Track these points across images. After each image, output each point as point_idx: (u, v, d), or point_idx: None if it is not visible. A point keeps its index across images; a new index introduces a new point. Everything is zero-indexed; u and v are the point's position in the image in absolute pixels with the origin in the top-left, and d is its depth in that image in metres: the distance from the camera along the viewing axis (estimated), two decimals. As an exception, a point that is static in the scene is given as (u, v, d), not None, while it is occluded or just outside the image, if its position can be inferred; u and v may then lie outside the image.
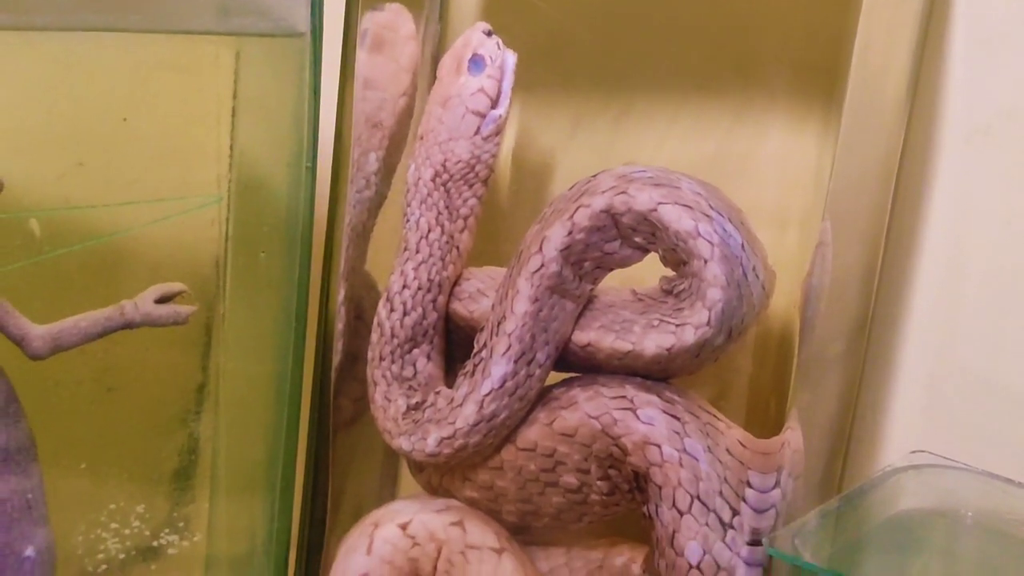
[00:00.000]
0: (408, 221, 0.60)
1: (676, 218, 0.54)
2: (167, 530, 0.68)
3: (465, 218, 0.60)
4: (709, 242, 0.54)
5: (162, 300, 0.61)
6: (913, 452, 0.65)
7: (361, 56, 0.63)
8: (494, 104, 0.58)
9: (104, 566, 0.67)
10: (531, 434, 0.58)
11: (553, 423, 0.58)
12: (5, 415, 0.58)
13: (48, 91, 0.59)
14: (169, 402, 0.68)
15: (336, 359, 0.67)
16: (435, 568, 0.62)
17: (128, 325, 0.60)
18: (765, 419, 0.60)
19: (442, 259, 0.60)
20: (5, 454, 0.58)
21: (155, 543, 0.68)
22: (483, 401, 0.57)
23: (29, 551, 0.59)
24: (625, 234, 0.55)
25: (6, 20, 0.57)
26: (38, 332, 0.58)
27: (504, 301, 0.57)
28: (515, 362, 0.56)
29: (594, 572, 0.65)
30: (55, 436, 0.61)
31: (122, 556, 0.67)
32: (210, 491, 0.69)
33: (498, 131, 0.59)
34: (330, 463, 0.69)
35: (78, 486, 0.63)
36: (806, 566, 0.54)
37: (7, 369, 0.57)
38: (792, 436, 0.59)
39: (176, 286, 0.62)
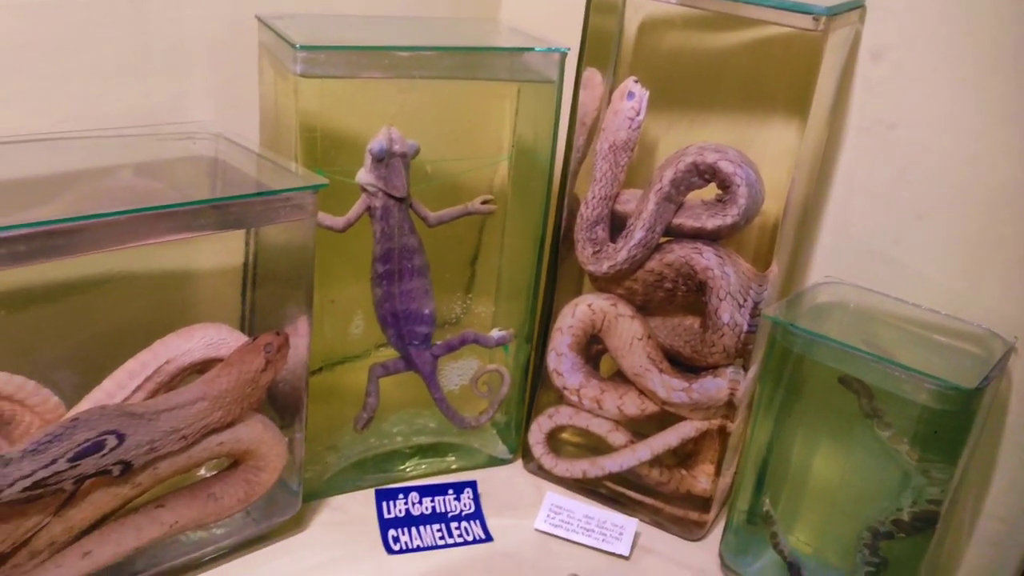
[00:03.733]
0: (596, 168, 0.81)
1: (726, 167, 0.76)
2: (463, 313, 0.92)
3: (623, 166, 0.81)
4: (741, 179, 0.76)
5: (484, 203, 0.87)
6: (826, 277, 0.86)
7: (580, 91, 0.83)
8: (638, 114, 0.79)
9: (447, 324, 0.90)
10: (651, 264, 0.82)
11: (663, 258, 0.81)
12: (421, 252, 0.83)
13: (429, 110, 0.82)
14: (462, 254, 0.91)
15: (561, 233, 0.88)
16: (602, 325, 0.86)
17: (468, 213, 0.86)
18: (760, 260, 0.80)
19: (610, 185, 0.82)
20: (422, 267, 0.83)
21: (462, 315, 0.92)
22: (630, 248, 0.81)
23: (428, 310, 0.85)
24: (700, 174, 0.78)
25: (402, 73, 0.77)
26: (433, 214, 0.84)
27: (642, 204, 0.81)
28: (646, 231, 0.80)
29: (675, 327, 0.85)
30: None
31: (454, 319, 0.91)
32: (495, 298, 0.93)
33: (639, 127, 0.79)
34: (556, 283, 0.89)
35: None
36: (779, 322, 0.76)
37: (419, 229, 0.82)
38: (774, 269, 0.81)
39: (489, 197, 0.87)
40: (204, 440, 0.73)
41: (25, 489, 0.62)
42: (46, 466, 0.63)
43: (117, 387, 0.70)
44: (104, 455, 0.66)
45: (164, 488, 0.74)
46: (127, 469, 0.68)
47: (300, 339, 0.77)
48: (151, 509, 0.73)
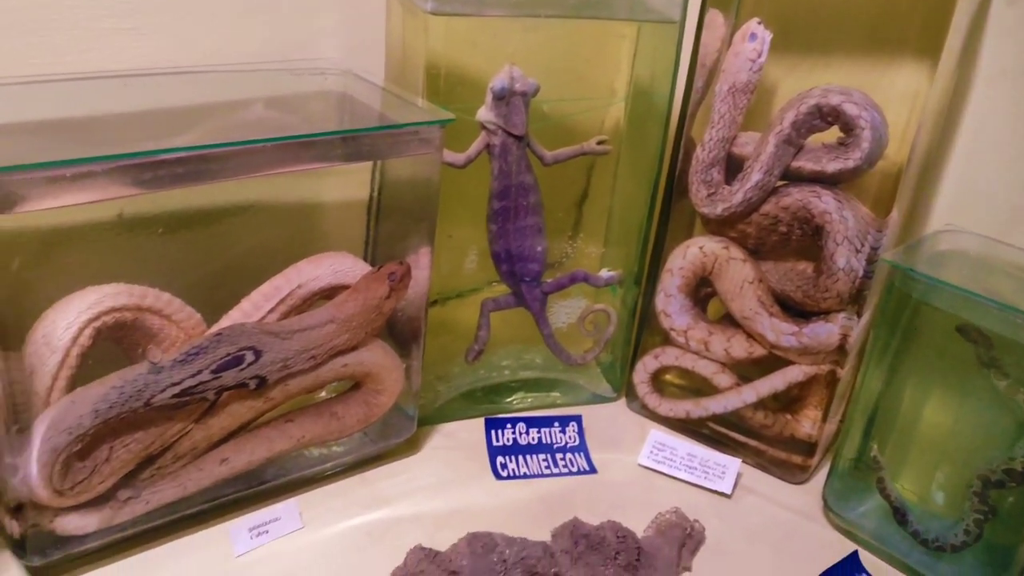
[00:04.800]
0: (715, 110, 0.82)
1: (851, 109, 0.76)
2: (573, 253, 0.94)
3: (741, 109, 0.81)
4: (866, 121, 0.75)
5: (600, 143, 0.88)
6: (947, 225, 0.85)
7: (702, 32, 0.84)
8: (759, 56, 0.78)
9: (556, 264, 0.93)
10: (766, 207, 0.82)
11: (779, 201, 0.82)
12: (536, 191, 0.85)
13: (549, 50, 0.83)
14: (574, 194, 0.93)
15: (675, 175, 0.89)
16: (712, 268, 0.87)
17: (584, 153, 0.88)
18: (880, 206, 0.79)
19: (728, 127, 0.82)
20: (536, 206, 0.85)
21: (572, 255, 0.94)
22: (746, 191, 0.82)
23: (540, 247, 0.87)
24: (823, 116, 0.77)
25: (527, 11, 0.79)
26: (549, 153, 0.86)
27: (760, 146, 0.81)
28: (763, 174, 0.81)
29: (788, 271, 0.85)
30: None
31: (563, 259, 0.93)
32: (605, 239, 0.95)
33: (759, 69, 0.79)
34: (667, 226, 0.90)
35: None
36: (899, 267, 0.75)
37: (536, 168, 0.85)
38: (894, 215, 0.80)
39: (604, 137, 0.88)
40: (331, 361, 0.77)
41: (173, 396, 0.68)
42: (192, 376, 0.69)
43: (254, 308, 0.75)
44: (243, 369, 0.71)
45: (292, 406, 0.79)
46: (262, 384, 0.73)
47: (421, 271, 0.80)
48: (281, 423, 0.79)
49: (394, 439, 0.86)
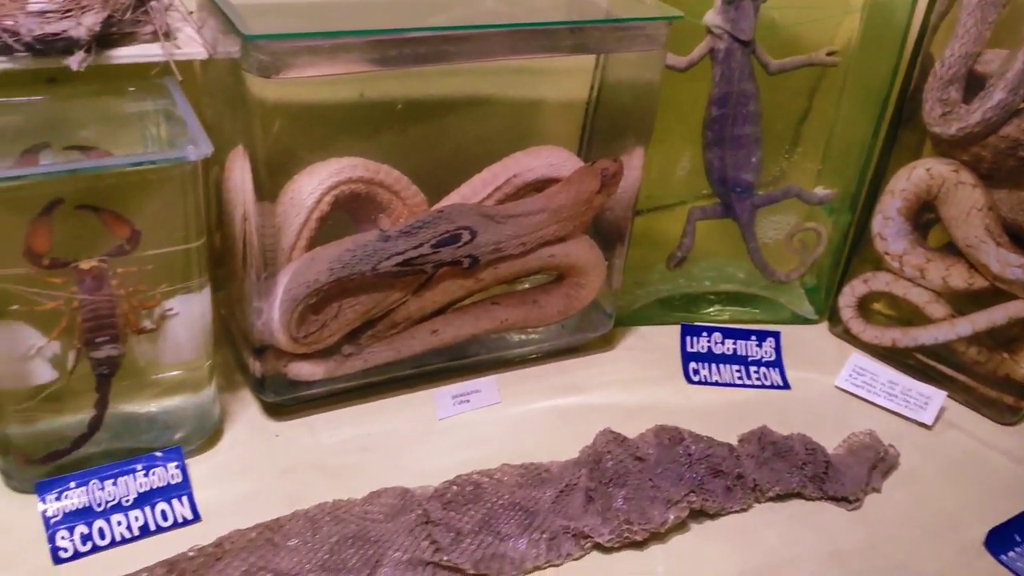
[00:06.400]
0: (960, 23, 0.79)
1: None
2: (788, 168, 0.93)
3: (989, 23, 0.78)
4: None
5: (829, 55, 0.86)
6: None
7: None
8: None
9: (770, 177, 0.93)
10: (1007, 129, 0.79)
11: (1021, 124, 0.78)
12: (756, 99, 0.84)
13: None
14: (795, 107, 0.90)
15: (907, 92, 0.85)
16: (938, 192, 0.84)
17: (811, 64, 0.86)
18: None
19: (973, 42, 0.79)
20: (755, 115, 0.85)
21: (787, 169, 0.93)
22: (986, 110, 0.78)
23: (754, 158, 0.87)
24: None
25: None
26: (774, 62, 0.85)
27: (1007, 63, 0.77)
28: (1007, 93, 0.77)
29: (1017, 206, 0.81)
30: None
31: (778, 174, 0.92)
32: (823, 155, 0.93)
33: None
34: (893, 145, 0.87)
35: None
36: None
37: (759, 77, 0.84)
38: None
39: (834, 49, 0.86)
40: (539, 250, 0.82)
41: (396, 264, 0.75)
42: (415, 248, 0.75)
43: (472, 192, 0.80)
44: (459, 247, 0.77)
45: (498, 290, 0.85)
46: (474, 263, 0.79)
47: (633, 170, 0.83)
48: (487, 305, 0.84)
49: (590, 333, 0.91)
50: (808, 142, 0.92)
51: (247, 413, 0.79)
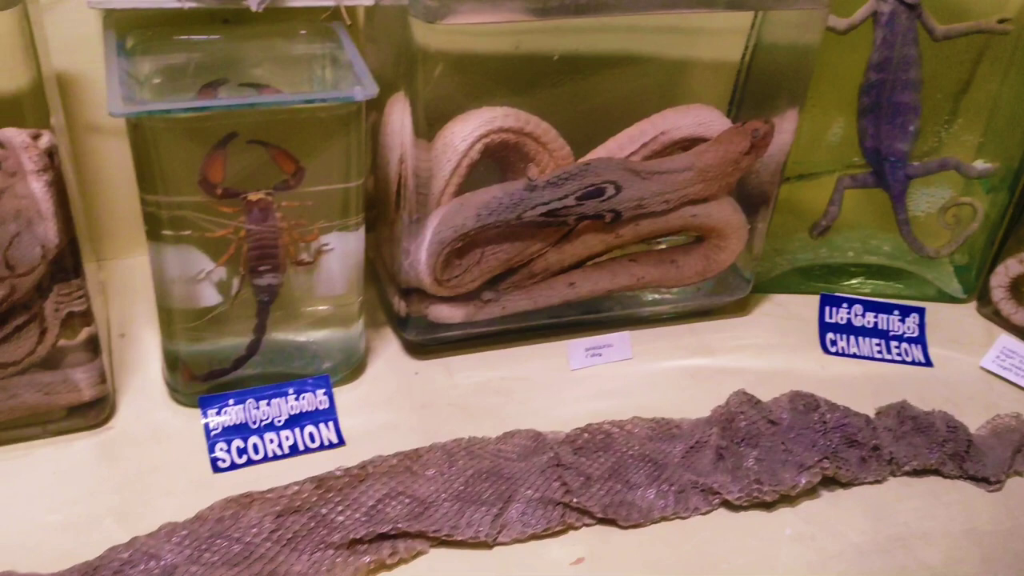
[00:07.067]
0: None
1: None
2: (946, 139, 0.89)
3: None
4: None
5: (1001, 22, 0.82)
6: None
7: None
8: None
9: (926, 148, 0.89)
10: None
11: None
12: (918, 66, 0.81)
13: None
14: (958, 75, 0.86)
15: None
16: None
17: (980, 31, 0.82)
18: None
19: None
20: (915, 82, 0.82)
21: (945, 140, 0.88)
22: None
23: (912, 127, 0.84)
24: None
25: None
26: (940, 28, 0.81)
27: None
28: None
29: None
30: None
31: (937, 144, 0.89)
32: (985, 127, 0.89)
33: None
34: None
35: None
36: None
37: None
38: None
39: (1007, 16, 0.82)
40: (681, 209, 0.82)
41: (540, 215, 0.77)
42: (559, 199, 0.76)
43: (618, 147, 0.81)
44: (603, 200, 0.78)
45: (636, 249, 0.85)
46: (616, 218, 0.80)
47: (784, 134, 0.82)
48: (625, 261, 0.85)
49: (727, 297, 0.90)
50: (969, 113, 0.88)
51: (388, 350, 0.83)
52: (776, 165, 0.83)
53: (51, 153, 0.62)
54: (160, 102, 0.66)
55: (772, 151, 0.81)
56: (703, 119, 0.82)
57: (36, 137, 0.61)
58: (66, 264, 0.65)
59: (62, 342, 0.68)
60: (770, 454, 0.70)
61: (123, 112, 0.60)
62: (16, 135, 0.59)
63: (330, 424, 0.73)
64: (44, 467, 0.68)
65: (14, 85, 0.58)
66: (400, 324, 0.82)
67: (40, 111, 0.60)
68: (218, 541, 0.60)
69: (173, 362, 0.73)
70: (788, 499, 0.69)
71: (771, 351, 0.86)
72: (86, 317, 0.67)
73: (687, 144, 0.82)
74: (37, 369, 0.68)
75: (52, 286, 0.65)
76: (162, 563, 0.59)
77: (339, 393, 0.75)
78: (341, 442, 0.72)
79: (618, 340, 0.84)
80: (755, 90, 0.86)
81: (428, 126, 0.71)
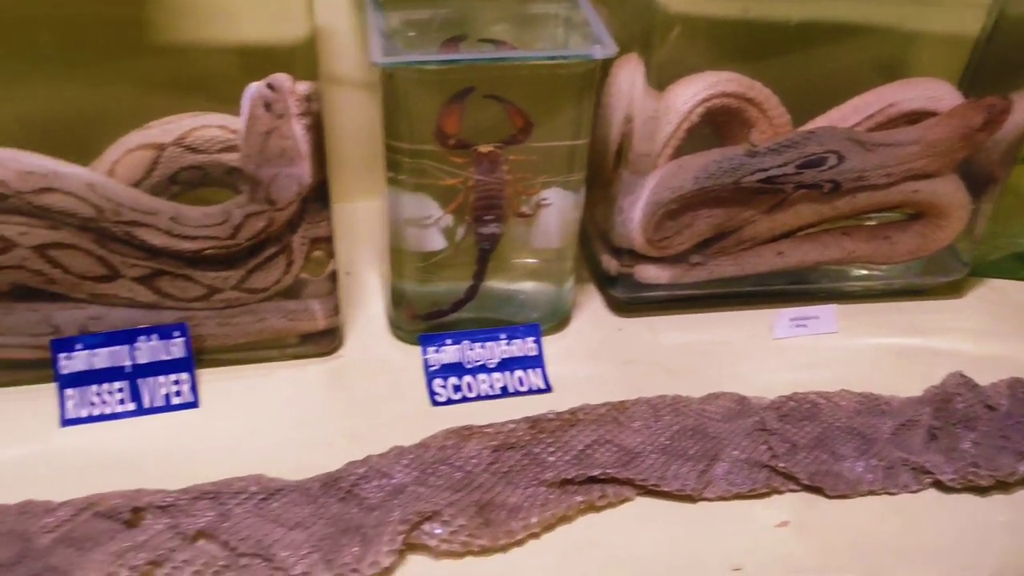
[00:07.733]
0: None
1: None
2: None
3: None
4: None
5: None
6: None
7: None
8: None
9: None
10: None
11: None
12: None
13: None
14: None
15: None
16: None
17: None
18: None
19: None
20: None
21: None
22: None
23: None
24: None
25: None
26: None
27: None
28: None
29: None
30: None
31: None
32: None
33: None
34: None
35: None
36: None
37: None
38: None
39: None
40: (903, 184, 0.80)
41: (758, 181, 0.77)
42: (779, 166, 0.76)
43: (841, 117, 0.80)
44: (823, 170, 0.77)
45: (848, 222, 0.84)
46: (834, 189, 0.79)
47: (1020, 113, 0.78)
48: (837, 234, 0.84)
49: (940, 278, 0.88)
50: None
51: (592, 306, 0.85)
52: (1010, 144, 0.80)
53: (310, 99, 0.67)
54: (418, 53, 0.71)
55: (1007, 129, 0.78)
56: (934, 92, 0.79)
57: (299, 83, 0.67)
58: (316, 202, 0.71)
59: (304, 275, 0.74)
60: (987, 438, 0.69)
61: (386, 62, 0.64)
62: (286, 80, 0.65)
63: (538, 371, 0.77)
64: (284, 387, 0.74)
65: (292, 36, 0.63)
66: (608, 282, 0.84)
67: (310, 61, 0.65)
68: (442, 467, 0.65)
69: (399, 300, 0.79)
70: (1004, 486, 0.68)
71: (985, 336, 0.84)
72: (328, 252, 0.73)
73: (915, 117, 0.80)
74: (281, 297, 0.74)
75: (301, 222, 0.71)
76: (393, 481, 0.64)
77: (546, 343, 0.79)
78: (548, 388, 0.76)
79: (824, 312, 0.84)
80: (992, 65, 0.82)
81: (659, 87, 0.73)
